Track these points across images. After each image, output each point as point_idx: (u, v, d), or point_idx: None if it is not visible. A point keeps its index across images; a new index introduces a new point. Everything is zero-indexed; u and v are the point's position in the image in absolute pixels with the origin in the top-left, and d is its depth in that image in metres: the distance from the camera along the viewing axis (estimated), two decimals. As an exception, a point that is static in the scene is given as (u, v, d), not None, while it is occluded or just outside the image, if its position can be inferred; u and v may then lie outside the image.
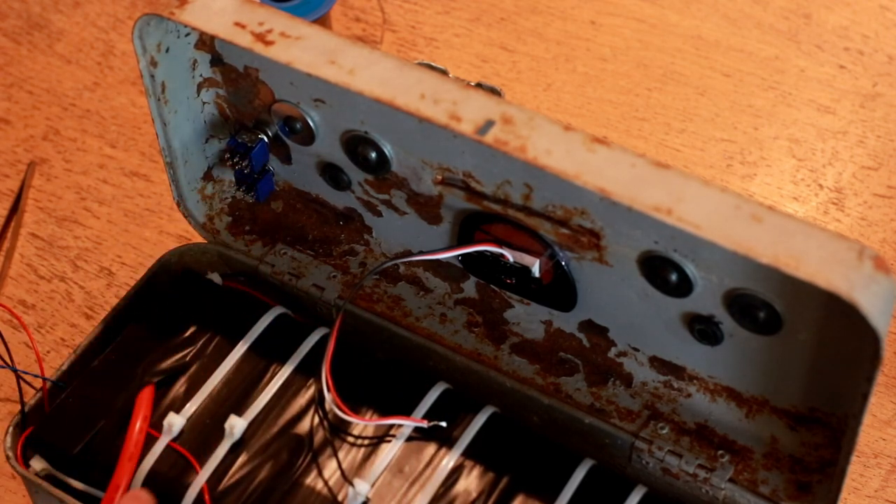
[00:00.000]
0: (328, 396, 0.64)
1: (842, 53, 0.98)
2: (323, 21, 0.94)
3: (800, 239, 0.53)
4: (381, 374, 0.67)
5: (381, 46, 1.00)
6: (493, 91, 0.87)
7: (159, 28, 0.64)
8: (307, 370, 0.67)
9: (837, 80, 0.96)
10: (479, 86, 0.88)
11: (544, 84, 0.97)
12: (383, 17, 1.02)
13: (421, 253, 0.70)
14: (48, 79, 0.98)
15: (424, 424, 0.64)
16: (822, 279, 0.52)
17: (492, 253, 0.66)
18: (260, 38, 0.60)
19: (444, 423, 0.64)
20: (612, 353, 0.68)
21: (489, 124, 0.58)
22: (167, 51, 0.65)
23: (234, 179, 0.73)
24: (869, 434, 0.77)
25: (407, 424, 0.64)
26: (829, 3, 1.01)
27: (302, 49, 0.60)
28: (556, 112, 0.95)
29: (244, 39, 0.60)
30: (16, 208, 0.73)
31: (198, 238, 0.75)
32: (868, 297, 0.52)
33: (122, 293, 0.72)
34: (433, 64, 0.89)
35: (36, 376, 0.70)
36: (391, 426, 0.65)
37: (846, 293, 0.51)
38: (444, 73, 0.89)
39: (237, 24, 0.61)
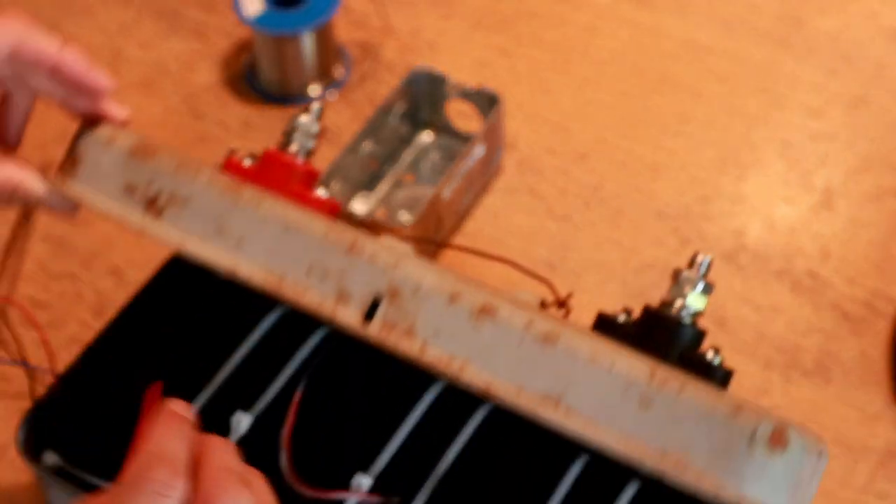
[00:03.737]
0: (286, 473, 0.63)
1: (833, 59, 0.99)
2: (326, 28, 0.94)
3: (688, 427, 0.52)
4: (380, 372, 0.68)
5: (382, 51, 1.01)
6: (491, 96, 0.89)
7: None
8: (310, 369, 0.68)
9: (829, 85, 0.97)
10: (478, 91, 0.89)
11: (543, 88, 0.98)
12: (385, 23, 1.03)
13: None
14: (58, 83, 0.99)
15: (376, 500, 0.63)
16: (708, 482, 0.51)
17: None
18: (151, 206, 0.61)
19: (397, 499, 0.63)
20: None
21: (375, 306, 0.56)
22: None
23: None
24: (857, 429, 0.77)
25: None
26: (822, 9, 1.01)
27: (191, 217, 0.59)
28: (555, 115, 0.96)
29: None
30: (28, 209, 0.74)
31: (205, 239, 0.75)
32: (760, 485, 0.51)
33: (132, 291, 0.73)
34: (433, 68, 0.91)
35: (47, 373, 0.72)
36: (395, 423, 0.66)
37: (734, 493, 0.50)
38: (443, 78, 0.90)
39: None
